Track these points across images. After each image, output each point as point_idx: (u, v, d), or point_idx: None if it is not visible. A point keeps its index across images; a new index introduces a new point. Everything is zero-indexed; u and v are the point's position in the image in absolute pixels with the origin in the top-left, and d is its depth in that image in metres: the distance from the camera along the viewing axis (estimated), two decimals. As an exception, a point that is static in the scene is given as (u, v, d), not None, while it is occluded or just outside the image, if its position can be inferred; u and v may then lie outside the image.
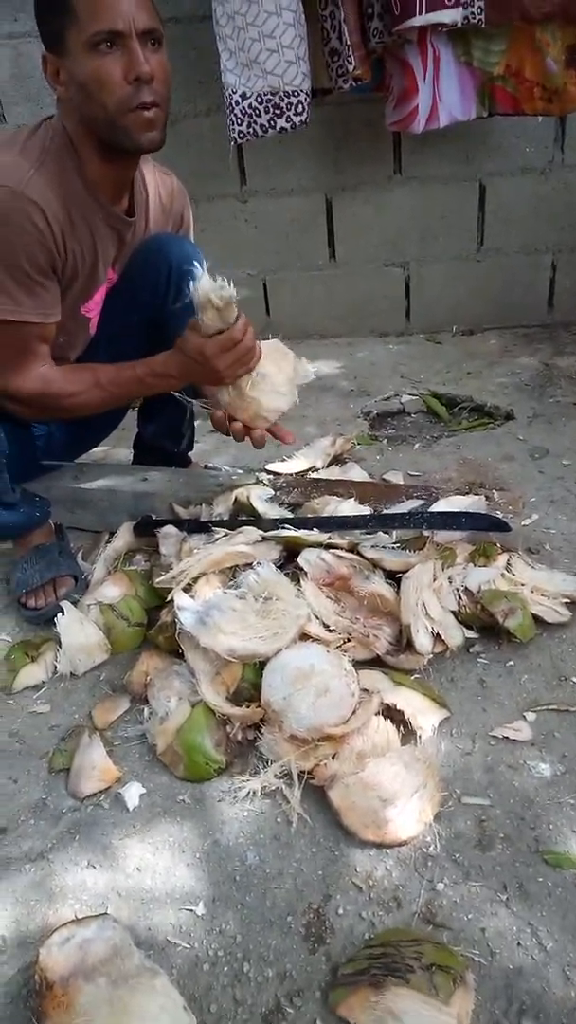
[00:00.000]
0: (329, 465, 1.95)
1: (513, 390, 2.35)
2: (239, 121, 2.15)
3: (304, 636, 1.23)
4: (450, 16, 1.96)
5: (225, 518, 1.56)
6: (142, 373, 1.41)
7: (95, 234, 1.38)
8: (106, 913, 0.94)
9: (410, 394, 2.38)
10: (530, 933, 0.91)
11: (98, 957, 0.86)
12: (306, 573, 1.33)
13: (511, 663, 1.30)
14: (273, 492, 1.63)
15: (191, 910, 0.97)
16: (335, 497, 1.54)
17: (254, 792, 1.10)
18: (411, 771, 1.08)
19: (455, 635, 1.30)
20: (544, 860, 0.99)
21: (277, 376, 1.41)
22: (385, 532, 1.43)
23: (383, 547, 1.38)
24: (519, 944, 0.90)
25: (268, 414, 1.43)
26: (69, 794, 1.14)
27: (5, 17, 2.40)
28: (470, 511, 1.48)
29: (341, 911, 0.96)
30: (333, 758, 1.10)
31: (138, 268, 1.52)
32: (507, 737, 1.16)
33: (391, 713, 1.17)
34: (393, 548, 1.39)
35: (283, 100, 2.09)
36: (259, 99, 2.11)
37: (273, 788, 1.10)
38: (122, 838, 1.07)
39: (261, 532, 1.42)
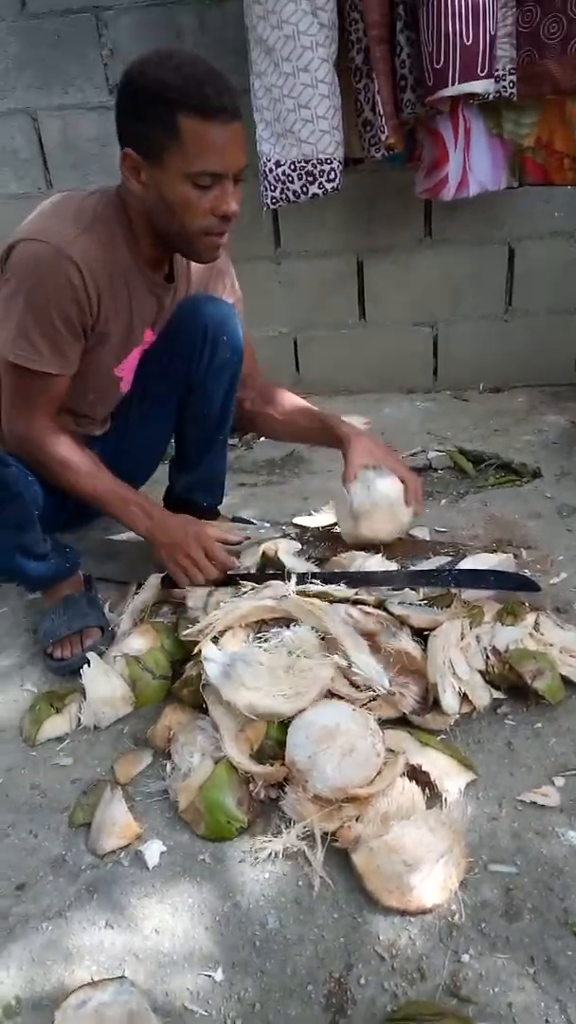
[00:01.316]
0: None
1: (540, 448, 2.35)
2: (272, 187, 2.22)
3: (329, 693, 1.22)
4: (482, 86, 2.02)
5: (252, 571, 1.57)
6: (133, 499, 1.47)
7: (133, 297, 1.43)
8: (123, 976, 0.92)
9: (437, 450, 2.39)
10: (558, 1010, 0.88)
11: (115, 1023, 0.84)
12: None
13: (539, 725, 1.27)
14: (300, 546, 1.64)
15: (209, 975, 0.95)
16: (362, 552, 1.54)
17: (276, 853, 1.08)
18: (437, 836, 1.05)
19: (482, 695, 1.28)
20: (573, 933, 0.95)
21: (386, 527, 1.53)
22: (412, 589, 1.43)
23: (410, 604, 1.37)
24: (546, 1021, 0.87)
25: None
26: (89, 850, 1.13)
27: (56, 91, 2.53)
28: (498, 569, 1.47)
29: (363, 981, 0.93)
30: (357, 820, 1.08)
31: (174, 328, 1.57)
32: (535, 803, 1.14)
33: (416, 774, 1.15)
34: (420, 605, 1.38)
35: (316, 167, 2.17)
36: (292, 166, 2.19)
37: (295, 850, 1.08)
38: (141, 898, 1.05)
39: (288, 587, 1.42)
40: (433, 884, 1.00)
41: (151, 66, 1.22)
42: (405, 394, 2.87)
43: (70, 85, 2.51)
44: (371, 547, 1.54)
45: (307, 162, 2.17)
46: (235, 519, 1.95)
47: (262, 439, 2.63)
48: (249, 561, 1.60)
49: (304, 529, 1.77)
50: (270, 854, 1.08)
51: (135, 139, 1.25)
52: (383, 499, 1.50)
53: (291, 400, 1.72)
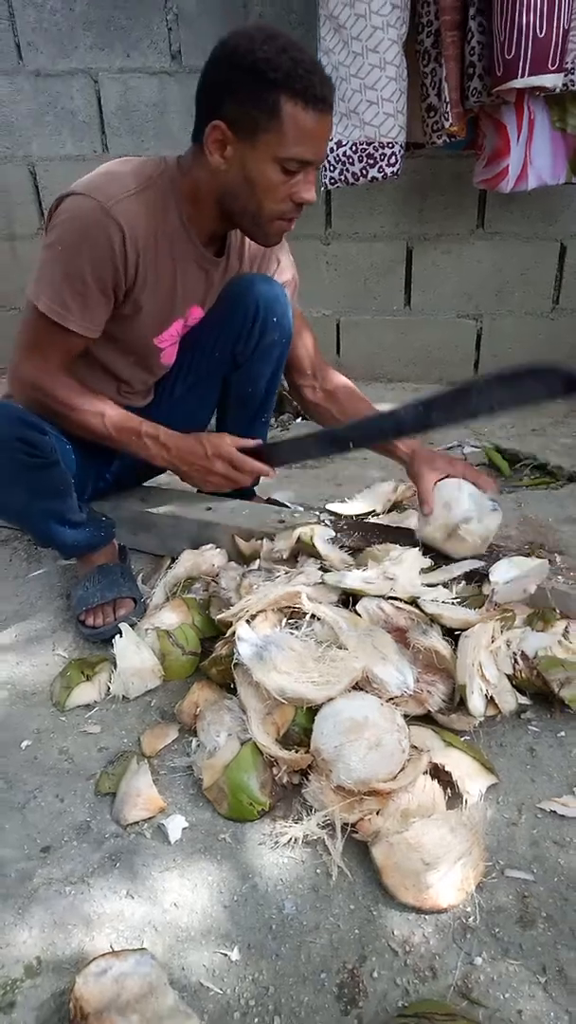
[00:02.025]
0: (389, 510, 1.96)
1: (578, 451, 2.33)
2: (332, 168, 2.20)
3: (358, 685, 1.23)
4: (551, 80, 1.98)
5: (285, 556, 1.57)
6: (144, 430, 1.46)
7: (179, 268, 1.42)
8: (143, 948, 0.94)
9: (473, 446, 2.38)
10: (568, 1020, 0.89)
11: (133, 993, 0.86)
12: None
13: (562, 734, 1.28)
14: (334, 533, 1.64)
15: (225, 954, 0.97)
16: (396, 545, 1.54)
17: (295, 839, 1.09)
18: (456, 836, 1.06)
19: (509, 700, 1.28)
20: (588, 945, 0.96)
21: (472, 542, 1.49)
22: (446, 586, 1.43)
23: (443, 602, 1.37)
24: (556, 1031, 0.88)
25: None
26: (113, 819, 1.15)
27: (117, 53, 2.50)
28: (534, 368, 1.25)
29: (376, 974, 0.94)
30: (378, 813, 1.09)
31: (224, 305, 1.56)
32: (555, 811, 1.14)
33: (438, 773, 1.16)
34: (453, 604, 1.38)
35: (377, 150, 2.14)
36: (354, 148, 2.16)
37: (315, 837, 1.09)
38: (162, 871, 1.07)
39: (322, 574, 1.43)
40: (450, 884, 1.01)
41: (257, 43, 1.21)
42: (445, 386, 2.84)
43: (133, 48, 2.49)
44: (422, 545, 1.53)
45: (369, 144, 2.14)
46: (269, 500, 1.95)
47: (298, 420, 2.63)
48: (283, 544, 1.61)
49: (338, 516, 1.77)
50: (290, 839, 1.09)
51: (228, 113, 1.24)
52: (486, 528, 1.48)
53: (354, 402, 1.69)
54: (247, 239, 1.53)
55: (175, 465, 1.49)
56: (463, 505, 1.47)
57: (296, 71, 1.20)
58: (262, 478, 1.91)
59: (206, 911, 1.02)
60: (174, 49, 2.47)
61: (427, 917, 1.00)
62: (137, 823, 1.13)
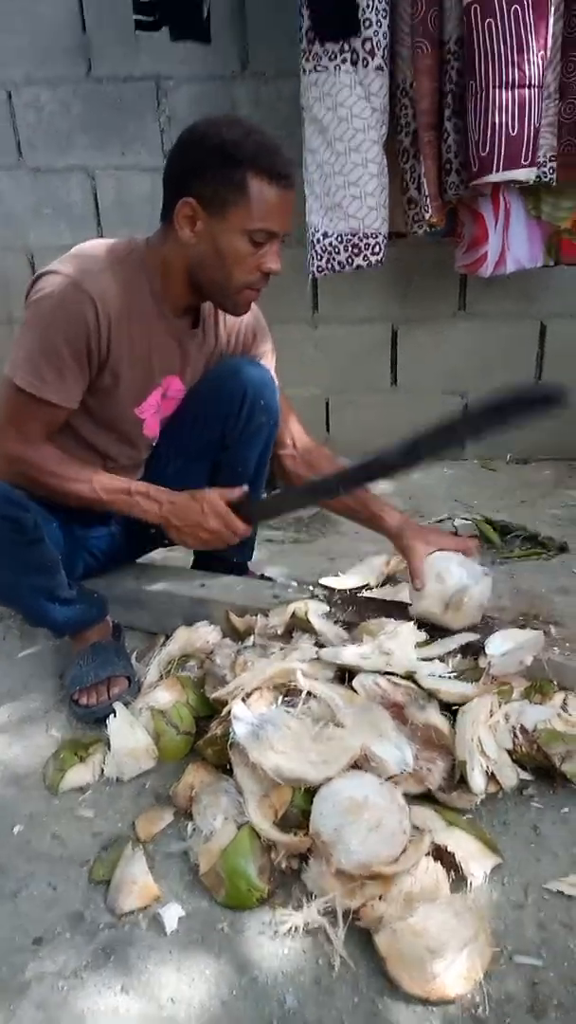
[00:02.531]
0: (383, 584, 1.96)
1: (567, 522, 2.36)
2: (319, 256, 2.30)
3: (355, 763, 1.21)
4: (524, 174, 2.09)
5: (280, 631, 1.57)
6: (134, 488, 1.47)
7: (152, 340, 1.46)
8: (140, 1047, 0.90)
9: (463, 518, 2.41)
10: None
11: None
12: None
13: (566, 810, 1.26)
14: (328, 608, 1.64)
15: (225, 1053, 0.93)
16: (391, 620, 1.54)
17: (296, 928, 1.06)
18: (461, 922, 1.03)
19: (510, 776, 1.27)
20: (602, 1036, 0.93)
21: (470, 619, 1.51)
22: (442, 660, 1.42)
23: (440, 676, 1.37)
24: None
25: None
26: (107, 908, 1.11)
27: (113, 151, 2.63)
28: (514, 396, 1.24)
29: (383, 1072, 0.90)
30: (380, 898, 1.06)
31: (212, 388, 1.60)
32: (561, 892, 1.11)
33: (441, 855, 1.13)
34: (449, 678, 1.38)
35: (361, 241, 2.25)
36: (339, 238, 2.27)
37: (316, 926, 1.06)
38: (158, 964, 1.03)
39: (317, 650, 1.42)
40: (457, 973, 0.98)
41: (223, 127, 1.30)
42: (434, 461, 2.90)
43: (127, 147, 2.62)
44: (416, 619, 1.53)
45: (353, 235, 2.25)
46: (262, 577, 1.96)
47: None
48: (277, 620, 1.61)
49: (332, 591, 1.77)
50: (290, 928, 1.06)
51: (198, 191, 1.31)
52: (480, 594, 1.50)
53: (334, 467, 1.72)
54: (221, 313, 1.58)
55: (167, 520, 1.48)
56: (455, 575, 1.48)
57: (261, 151, 1.29)
58: (254, 554, 1.93)
59: (204, 1006, 0.98)
60: (166, 148, 2.59)
61: (434, 1009, 0.97)
62: (132, 912, 1.10)
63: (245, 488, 1.53)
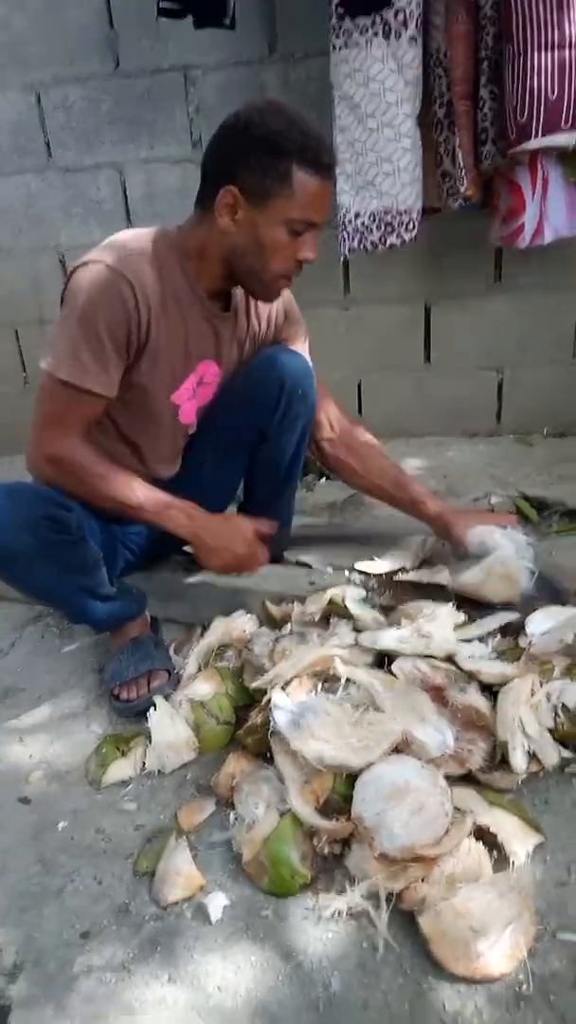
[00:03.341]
0: (419, 566, 1.94)
1: (608, 496, 2.29)
2: (350, 237, 2.27)
3: (396, 747, 1.20)
4: (565, 139, 2.02)
5: (317, 618, 1.56)
6: (172, 501, 1.49)
7: (187, 322, 1.46)
8: (187, 1036, 0.91)
9: (499, 495, 2.36)
10: None
11: None
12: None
13: (609, 788, 1.23)
14: (365, 593, 1.63)
15: (272, 1039, 0.93)
16: (429, 601, 1.52)
17: (339, 912, 1.06)
18: (505, 901, 1.02)
19: (551, 754, 1.24)
20: None
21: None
22: (482, 641, 1.40)
23: (480, 658, 1.35)
24: None
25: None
26: (152, 900, 1.12)
27: (142, 145, 2.64)
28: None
29: (430, 1054, 0.90)
30: (423, 881, 1.06)
31: (249, 379, 1.60)
32: (607, 870, 1.09)
33: (483, 835, 1.12)
34: (490, 659, 1.36)
35: (395, 218, 2.22)
36: (372, 217, 2.24)
37: (359, 909, 1.05)
38: (204, 953, 1.04)
39: (355, 635, 1.42)
40: (500, 952, 0.97)
41: (269, 116, 1.30)
42: (468, 438, 2.85)
43: (156, 140, 2.62)
44: (455, 600, 1.52)
45: (387, 213, 2.21)
46: (298, 563, 1.95)
47: (323, 480, 2.64)
48: (314, 607, 1.60)
49: (368, 575, 1.76)
50: (333, 913, 1.06)
51: (240, 180, 1.31)
52: (524, 563, 1.50)
53: (376, 459, 1.72)
54: (252, 301, 1.58)
55: (199, 537, 1.51)
56: (498, 542, 1.47)
57: (307, 142, 1.29)
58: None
59: (251, 994, 0.99)
60: (195, 138, 2.58)
61: (479, 988, 0.96)
62: (177, 903, 1.11)
63: (276, 524, 1.59)
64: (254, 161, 1.29)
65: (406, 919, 1.04)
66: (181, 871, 1.13)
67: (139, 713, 1.45)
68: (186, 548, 1.64)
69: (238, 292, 1.55)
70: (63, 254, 2.85)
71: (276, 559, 1.81)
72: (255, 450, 1.68)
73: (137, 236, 1.41)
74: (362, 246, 2.29)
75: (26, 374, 3.04)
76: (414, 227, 2.24)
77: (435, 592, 1.59)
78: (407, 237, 2.25)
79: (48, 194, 2.78)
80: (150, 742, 1.38)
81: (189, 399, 1.56)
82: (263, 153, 1.29)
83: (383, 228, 2.24)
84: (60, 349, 1.36)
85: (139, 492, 1.46)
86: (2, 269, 2.91)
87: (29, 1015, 0.98)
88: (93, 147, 2.68)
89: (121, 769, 1.36)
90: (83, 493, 1.45)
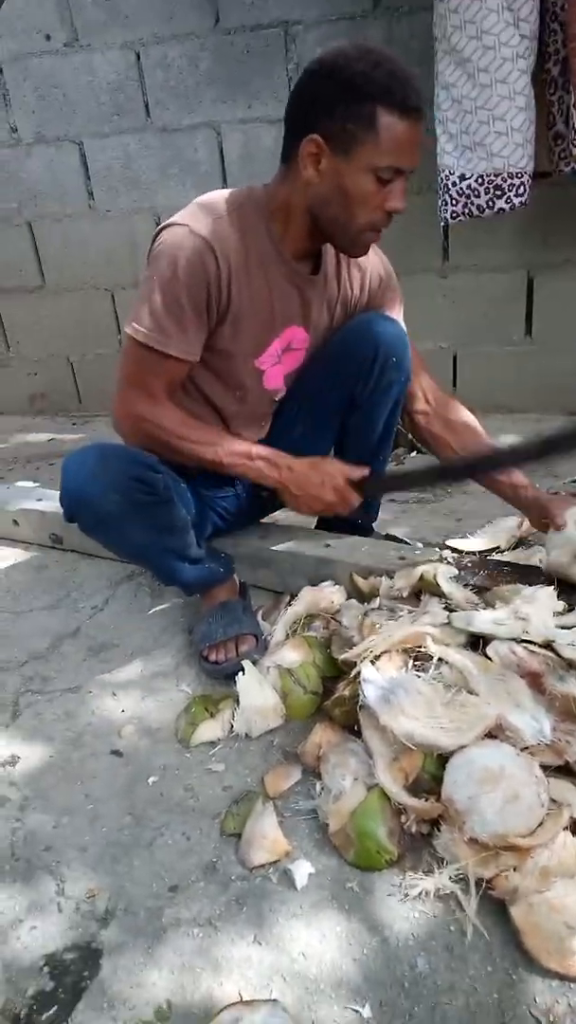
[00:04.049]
0: (514, 547, 1.89)
1: None
2: (454, 201, 2.19)
3: (490, 733, 1.18)
4: None
5: (405, 594, 1.53)
6: (255, 452, 1.45)
7: (272, 286, 1.42)
8: (275, 1000, 0.92)
9: (585, 481, 2.27)
10: None
11: (265, 1045, 0.84)
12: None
13: None
14: (458, 571, 1.59)
15: (357, 1011, 0.93)
16: (527, 585, 1.48)
17: (427, 893, 1.05)
18: (602, 900, 0.99)
19: None
20: None
21: None
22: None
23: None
24: None
25: None
26: (238, 861, 1.14)
27: (240, 105, 2.60)
28: None
29: (518, 1045, 0.88)
30: (515, 870, 1.03)
31: (342, 345, 1.56)
32: None
33: (580, 830, 1.09)
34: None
35: (505, 181, 2.12)
36: (479, 180, 2.14)
37: (447, 892, 1.04)
38: (288, 918, 1.05)
39: (448, 614, 1.39)
40: (597, 952, 0.95)
41: (352, 59, 1.23)
42: (569, 416, 2.74)
43: (254, 99, 2.58)
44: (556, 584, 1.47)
45: (497, 175, 2.12)
46: (388, 536, 1.93)
47: (413, 454, 2.60)
48: (403, 582, 1.57)
49: (461, 553, 1.72)
50: (421, 892, 1.05)
51: (324, 127, 1.26)
52: None
53: (473, 436, 1.64)
54: (343, 259, 1.52)
55: (286, 486, 1.47)
56: None
57: (392, 83, 1.21)
58: (379, 514, 1.90)
59: (335, 963, 0.99)
60: (293, 96, 2.54)
61: (572, 985, 0.94)
62: (263, 866, 1.12)
63: (367, 470, 1.53)
64: (337, 107, 1.23)
65: (495, 907, 1.02)
66: (268, 835, 1.14)
67: (228, 676, 1.46)
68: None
69: (328, 254, 1.50)
70: (159, 216, 2.86)
71: (369, 506, 1.78)
72: (346, 419, 1.65)
73: (223, 197, 1.37)
74: (467, 211, 2.20)
75: (120, 336, 3.08)
76: (525, 191, 2.14)
77: (532, 574, 1.54)
78: (517, 202, 2.15)
79: (145, 155, 2.78)
80: (238, 705, 1.39)
81: (274, 364, 1.54)
82: (346, 97, 1.22)
83: (492, 191, 2.15)
84: (141, 312, 1.35)
85: (219, 448, 1.44)
86: (99, 231, 2.94)
87: (120, 960, 1.01)
88: (191, 107, 2.66)
89: (210, 730, 1.37)
90: (165, 453, 1.45)
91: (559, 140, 2.11)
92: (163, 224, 1.36)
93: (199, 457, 1.44)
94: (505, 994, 0.94)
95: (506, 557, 1.77)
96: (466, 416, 1.67)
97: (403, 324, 1.62)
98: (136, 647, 1.66)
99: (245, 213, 1.37)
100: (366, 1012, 0.93)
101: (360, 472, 1.51)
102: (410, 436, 2.50)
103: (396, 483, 1.61)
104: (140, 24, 2.58)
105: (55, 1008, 0.96)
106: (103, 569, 1.97)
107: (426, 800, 1.12)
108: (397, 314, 1.63)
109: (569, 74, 2.00)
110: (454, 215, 2.22)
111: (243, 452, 1.46)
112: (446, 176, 2.17)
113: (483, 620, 1.36)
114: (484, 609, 1.42)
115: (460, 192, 2.18)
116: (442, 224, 2.27)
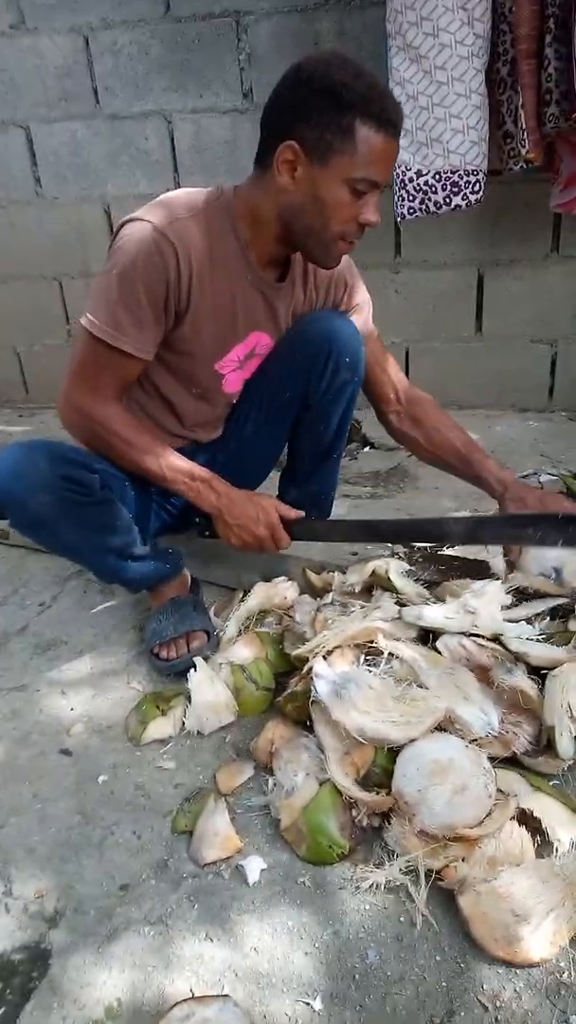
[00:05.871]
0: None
1: None
2: (411, 197, 2.20)
3: (439, 726, 1.19)
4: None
5: (358, 589, 1.55)
6: (197, 473, 1.43)
7: (235, 291, 1.42)
8: (226, 995, 0.92)
9: (549, 474, 2.31)
10: None
11: (216, 1042, 0.84)
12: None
13: None
14: (409, 567, 1.61)
15: (308, 1003, 0.94)
16: (476, 581, 1.50)
17: (377, 885, 1.06)
18: (548, 887, 1.01)
19: (599, 742, 1.22)
20: None
21: None
22: (529, 623, 1.38)
23: (528, 639, 1.32)
24: None
25: None
26: (190, 858, 1.13)
27: (190, 94, 2.57)
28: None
29: (466, 1032, 0.90)
30: (463, 860, 1.05)
31: (295, 343, 1.55)
32: None
33: (526, 820, 1.11)
34: (538, 641, 1.33)
35: (462, 178, 2.14)
36: (437, 176, 2.16)
37: (398, 884, 1.05)
38: (240, 914, 1.05)
39: (399, 609, 1.40)
40: (542, 938, 0.97)
41: (332, 68, 1.23)
42: (518, 412, 2.80)
43: (205, 88, 2.55)
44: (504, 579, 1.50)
45: (454, 172, 2.14)
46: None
47: (367, 449, 2.62)
48: (355, 577, 1.58)
49: (412, 548, 1.74)
50: (372, 885, 1.06)
51: (301, 134, 1.25)
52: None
53: (441, 431, 1.67)
54: (311, 266, 1.51)
55: (219, 512, 1.45)
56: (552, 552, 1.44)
57: (371, 96, 1.23)
58: (332, 510, 1.91)
59: (287, 957, 0.99)
60: (245, 88, 2.52)
61: (518, 972, 0.96)
62: (215, 863, 1.12)
63: (301, 513, 1.52)
64: (315, 115, 1.23)
65: (444, 897, 1.04)
66: (220, 832, 1.14)
67: (179, 673, 1.45)
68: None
69: (296, 261, 1.49)
70: (108, 204, 2.81)
71: (323, 502, 1.80)
72: (299, 419, 1.65)
73: (190, 196, 1.36)
74: (423, 207, 2.21)
75: (69, 326, 3.03)
76: (480, 188, 2.17)
77: (480, 568, 1.57)
78: (474, 199, 2.18)
79: (95, 142, 2.73)
80: (190, 702, 1.38)
81: (234, 370, 1.52)
82: (325, 106, 1.22)
83: (448, 188, 2.17)
84: (97, 304, 1.33)
85: (163, 461, 1.41)
86: (47, 219, 2.89)
87: (69, 961, 1.00)
88: (141, 94, 2.62)
89: (161, 727, 1.36)
90: (107, 455, 1.42)
91: (508, 139, 2.14)
92: (126, 218, 1.33)
93: (141, 465, 1.41)
94: (454, 982, 0.95)
95: (456, 551, 1.79)
96: (435, 415, 1.68)
97: (372, 328, 1.62)
98: (85, 644, 1.64)
99: (212, 214, 1.35)
100: (317, 1004, 0.93)
101: (295, 513, 1.50)
102: (363, 432, 2.53)
103: (327, 532, 1.60)
104: (89, 8, 2.53)
105: (2, 1009, 0.95)
106: (50, 565, 1.94)
107: (377, 793, 1.14)
108: (363, 315, 1.63)
109: (517, 75, 2.03)
110: (411, 211, 2.23)
111: (185, 470, 1.43)
112: (402, 172, 2.18)
113: (433, 614, 1.37)
114: (434, 604, 1.44)
115: (417, 188, 2.19)
116: (398, 220, 2.28)
